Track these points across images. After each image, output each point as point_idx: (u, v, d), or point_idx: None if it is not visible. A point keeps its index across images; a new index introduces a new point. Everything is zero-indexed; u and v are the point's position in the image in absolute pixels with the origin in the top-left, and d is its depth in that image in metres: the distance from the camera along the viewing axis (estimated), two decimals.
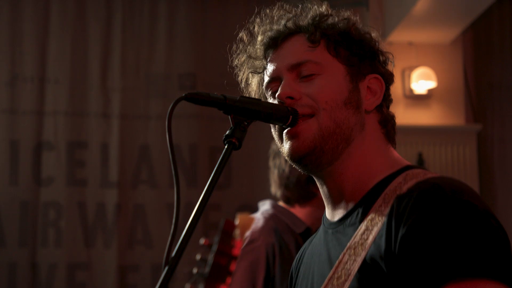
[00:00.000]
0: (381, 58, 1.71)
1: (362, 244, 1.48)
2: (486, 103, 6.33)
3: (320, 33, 1.64)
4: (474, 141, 6.16)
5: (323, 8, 1.70)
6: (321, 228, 1.74)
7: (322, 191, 1.69)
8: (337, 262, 1.52)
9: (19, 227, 5.65)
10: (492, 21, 6.36)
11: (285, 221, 3.11)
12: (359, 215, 1.56)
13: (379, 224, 1.47)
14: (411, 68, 5.98)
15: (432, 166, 5.94)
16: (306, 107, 1.59)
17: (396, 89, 5.96)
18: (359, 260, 1.46)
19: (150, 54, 6.04)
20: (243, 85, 1.80)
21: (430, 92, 6.04)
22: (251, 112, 1.54)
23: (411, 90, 6.00)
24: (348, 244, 1.51)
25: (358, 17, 1.72)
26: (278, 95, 1.61)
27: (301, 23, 1.67)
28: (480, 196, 1.47)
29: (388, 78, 1.71)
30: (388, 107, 1.72)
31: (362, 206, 1.57)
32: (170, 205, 5.79)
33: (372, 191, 1.58)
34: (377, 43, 1.71)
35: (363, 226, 1.51)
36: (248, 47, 1.75)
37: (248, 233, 2.99)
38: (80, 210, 5.73)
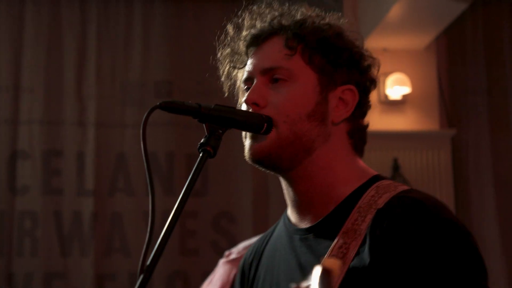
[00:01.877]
0: (362, 64, 1.69)
1: (341, 258, 1.47)
2: (460, 108, 6.38)
3: (298, 39, 1.63)
4: (448, 146, 6.20)
5: (308, 12, 1.69)
6: (283, 231, 1.72)
7: (287, 192, 1.67)
8: None
9: None
10: (465, 27, 6.42)
11: None
12: (333, 226, 1.55)
13: (359, 239, 1.47)
14: (386, 74, 6.01)
15: (408, 171, 5.98)
16: None
17: (370, 95, 5.97)
18: (341, 275, 1.45)
19: (125, 61, 6.02)
20: (223, 79, 1.79)
21: (405, 97, 6.08)
22: (225, 120, 1.54)
23: (385, 96, 6.03)
24: (326, 257, 1.50)
25: (345, 21, 1.71)
26: (245, 100, 1.62)
27: (283, 23, 1.66)
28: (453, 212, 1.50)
29: (368, 86, 1.71)
30: (363, 115, 1.71)
31: (334, 218, 1.57)
32: (147, 213, 5.68)
33: (345, 203, 1.57)
34: (359, 49, 1.69)
35: (339, 240, 1.50)
36: (232, 42, 1.75)
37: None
38: (56, 219, 5.69)
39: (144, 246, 1.37)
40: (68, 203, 5.72)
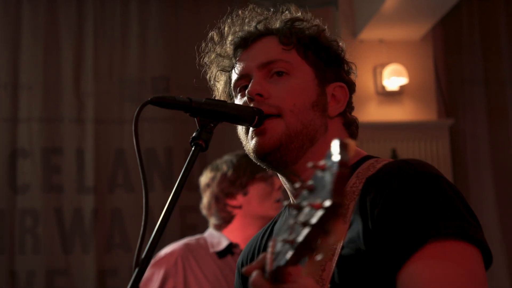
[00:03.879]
0: (345, 67, 1.75)
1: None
2: (458, 98, 6.39)
3: (292, 36, 1.68)
4: (446, 135, 6.22)
5: (295, 13, 1.75)
6: None
7: (289, 187, 1.71)
8: None
9: None
10: (461, 17, 6.43)
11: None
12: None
13: (353, 203, 1.51)
14: (383, 65, 6.02)
15: None
16: (273, 108, 1.62)
17: (368, 86, 6.00)
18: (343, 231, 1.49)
19: (123, 58, 6.03)
20: (211, 83, 1.83)
21: (402, 88, 6.09)
22: (216, 114, 1.56)
23: (383, 87, 6.04)
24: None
25: (326, 26, 1.77)
26: (248, 91, 1.64)
27: (272, 25, 1.71)
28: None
29: (351, 87, 1.75)
30: (350, 113, 1.76)
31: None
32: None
33: None
34: (343, 52, 1.75)
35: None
36: (217, 46, 1.79)
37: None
38: (57, 216, 5.71)
39: (139, 241, 1.39)
40: (69, 200, 5.73)
